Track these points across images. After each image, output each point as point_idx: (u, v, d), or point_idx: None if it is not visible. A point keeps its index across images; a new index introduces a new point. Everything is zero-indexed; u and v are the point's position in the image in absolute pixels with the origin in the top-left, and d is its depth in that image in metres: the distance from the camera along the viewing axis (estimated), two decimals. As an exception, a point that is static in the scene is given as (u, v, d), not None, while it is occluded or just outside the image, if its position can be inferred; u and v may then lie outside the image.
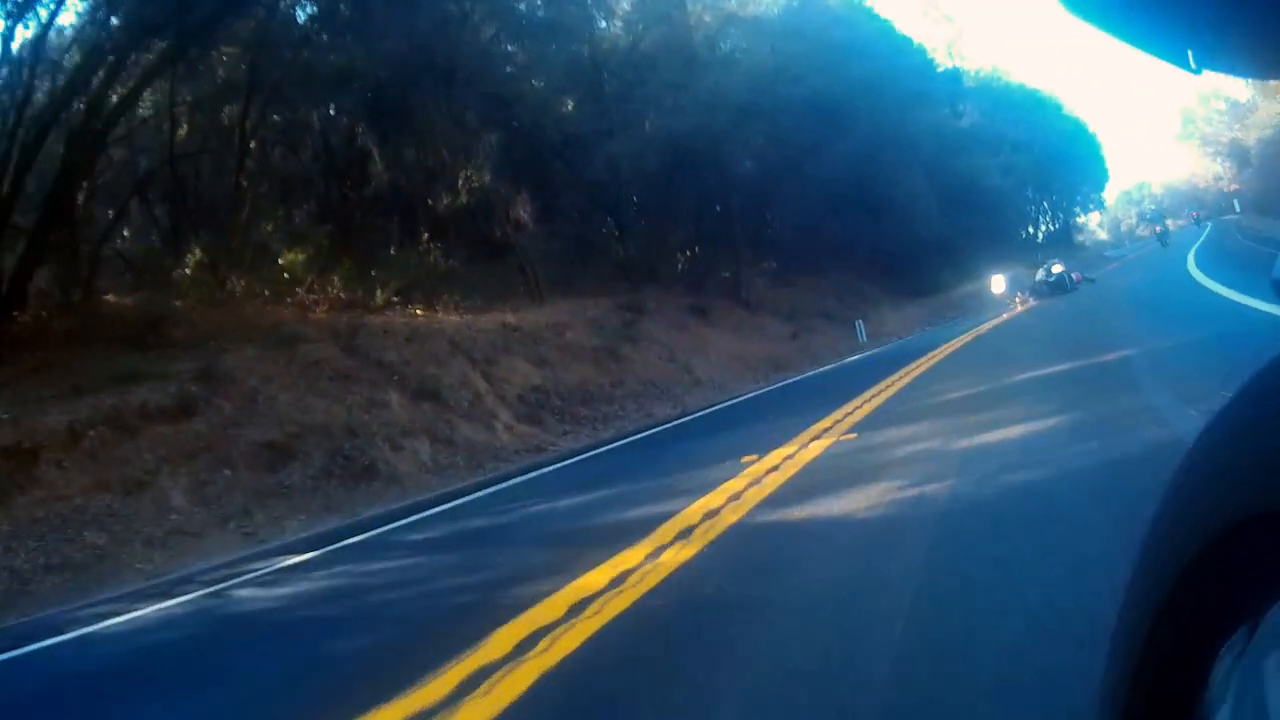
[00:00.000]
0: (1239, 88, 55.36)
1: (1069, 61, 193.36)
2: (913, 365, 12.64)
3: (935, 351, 13.78)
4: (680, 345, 20.75)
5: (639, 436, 12.52)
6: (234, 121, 20.48)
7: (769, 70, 26.12)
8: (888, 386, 10.51)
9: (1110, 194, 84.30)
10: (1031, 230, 60.94)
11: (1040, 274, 25.77)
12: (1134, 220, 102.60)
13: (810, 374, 17.40)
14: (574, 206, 26.76)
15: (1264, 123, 41.65)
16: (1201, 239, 36.77)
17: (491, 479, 10.96)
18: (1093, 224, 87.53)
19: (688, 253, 27.68)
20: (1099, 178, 67.51)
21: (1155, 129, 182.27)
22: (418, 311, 20.64)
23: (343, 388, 14.65)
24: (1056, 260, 27.32)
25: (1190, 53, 0.75)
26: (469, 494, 9.56)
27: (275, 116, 23.24)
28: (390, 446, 13.43)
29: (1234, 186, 68.44)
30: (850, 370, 15.71)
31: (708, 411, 13.93)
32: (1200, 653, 0.64)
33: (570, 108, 27.36)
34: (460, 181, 22.83)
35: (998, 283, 27.83)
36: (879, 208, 32.17)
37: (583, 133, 26.38)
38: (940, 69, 40.08)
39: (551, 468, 10.86)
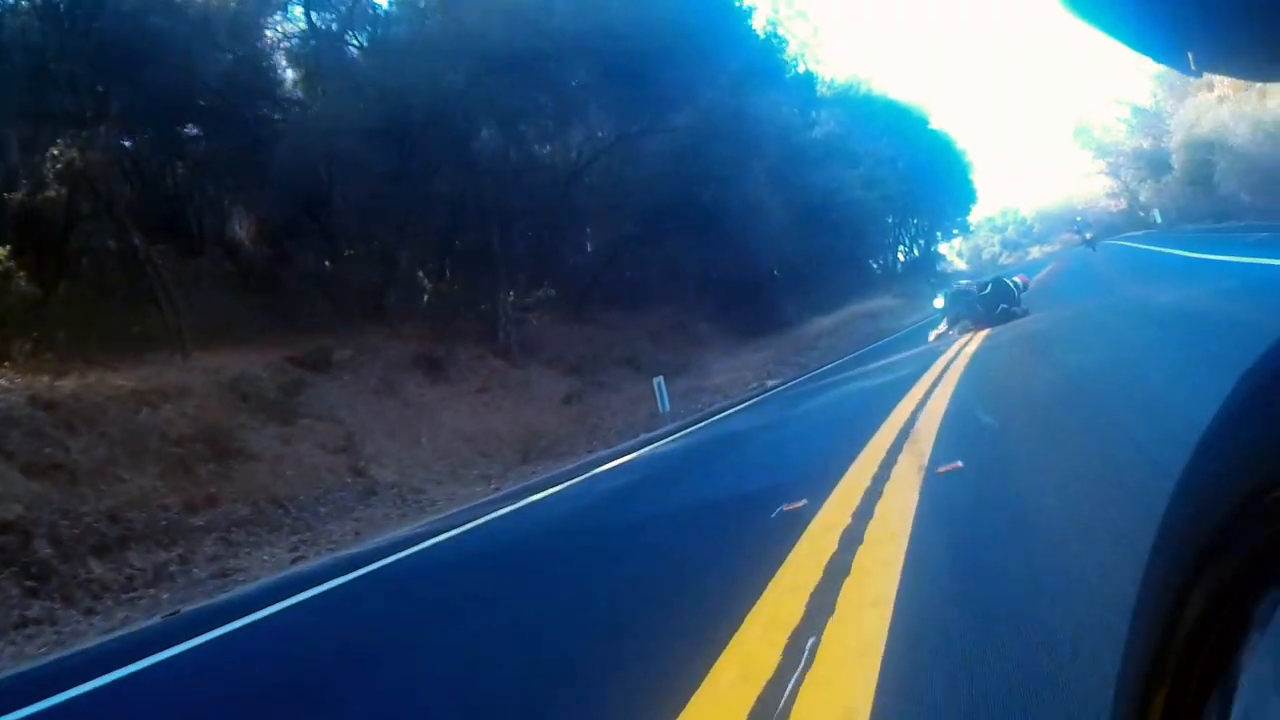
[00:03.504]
0: (1144, 94, 52.14)
1: (939, 80, 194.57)
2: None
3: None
4: (372, 422, 13.54)
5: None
6: None
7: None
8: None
9: (973, 221, 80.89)
10: (888, 258, 56.03)
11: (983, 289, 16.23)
12: (997, 248, 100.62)
13: (568, 484, 9.65)
14: (267, 215, 19.22)
15: (1189, 121, 36.86)
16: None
17: None
18: (952, 251, 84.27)
19: (441, 280, 20.42)
20: (966, 199, 63.58)
21: (1028, 154, 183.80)
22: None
23: None
24: (963, 280, 18.88)
25: (1190, 55, 0.77)
26: None
27: None
28: None
29: (1120, 204, 65.93)
30: (615, 495, 8.44)
31: (326, 587, 6.40)
32: (1232, 614, 0.62)
33: (260, 73, 19.89)
34: (47, 167, 15.18)
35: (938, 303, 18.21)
36: (709, 219, 25.60)
37: (271, 109, 19.00)
38: (790, 69, 33.96)
39: None
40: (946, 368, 10.29)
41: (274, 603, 6.05)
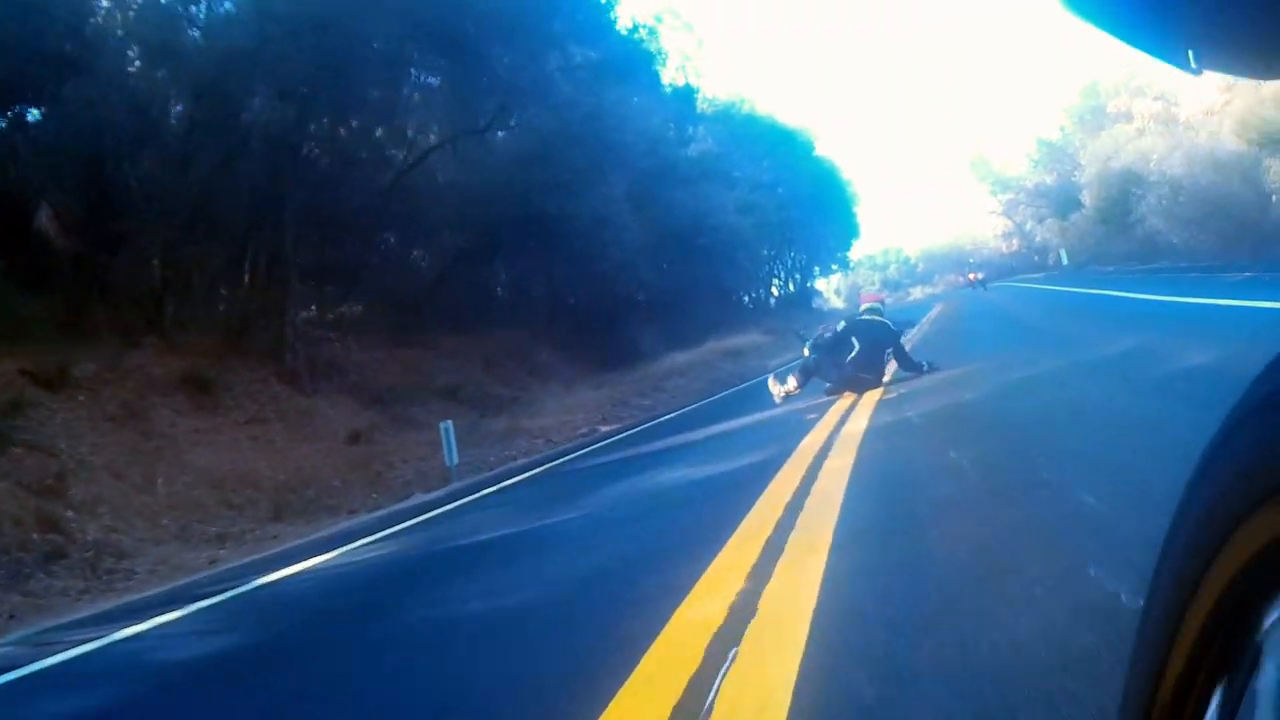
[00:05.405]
0: (1052, 128, 52.95)
1: (828, 106, 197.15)
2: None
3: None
4: (97, 456, 11.62)
5: None
6: None
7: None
8: None
9: (854, 257, 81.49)
10: (761, 292, 55.10)
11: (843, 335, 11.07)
12: (877, 286, 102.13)
13: (216, 600, 6.72)
14: (59, 204, 16.85)
15: (1105, 154, 36.03)
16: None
17: None
18: (829, 288, 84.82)
19: (239, 288, 18.34)
20: (848, 232, 63.83)
21: (917, 190, 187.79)
22: None
23: None
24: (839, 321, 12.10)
25: (1190, 53, 0.77)
26: None
27: None
28: None
29: (1013, 245, 67.03)
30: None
31: None
32: (1245, 616, 0.63)
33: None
34: None
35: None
36: (562, 235, 24.12)
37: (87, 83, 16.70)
38: (658, 65, 32.51)
39: None
40: (816, 467, 6.11)
41: None
